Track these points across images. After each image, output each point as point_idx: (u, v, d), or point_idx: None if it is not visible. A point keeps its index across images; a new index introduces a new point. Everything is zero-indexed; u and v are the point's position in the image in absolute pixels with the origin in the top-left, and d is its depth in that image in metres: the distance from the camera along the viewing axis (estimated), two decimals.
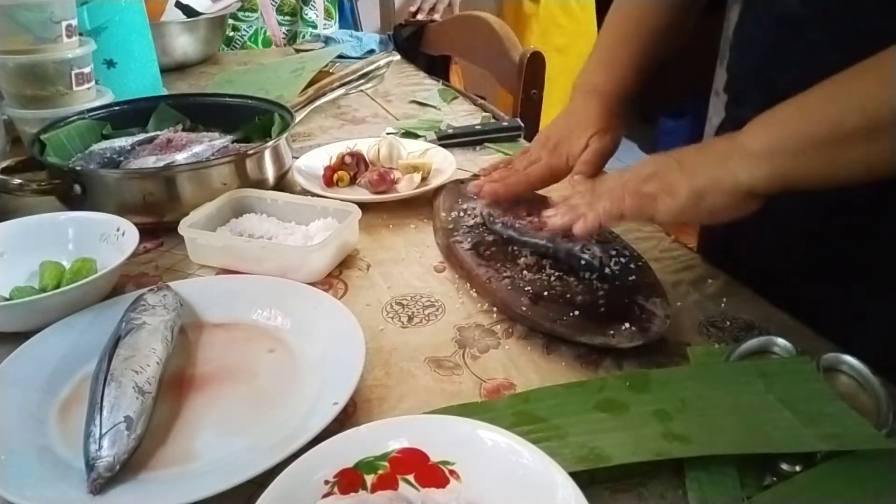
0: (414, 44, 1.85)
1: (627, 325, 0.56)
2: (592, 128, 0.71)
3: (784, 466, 0.44)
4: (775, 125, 0.51)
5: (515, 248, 0.68)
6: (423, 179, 0.87)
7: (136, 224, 0.68)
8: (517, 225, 0.69)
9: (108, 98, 1.00)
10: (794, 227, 0.67)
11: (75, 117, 0.90)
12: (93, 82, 1.00)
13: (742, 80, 0.73)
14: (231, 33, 1.81)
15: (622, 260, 0.66)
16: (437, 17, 1.89)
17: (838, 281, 0.65)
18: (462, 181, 0.85)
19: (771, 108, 0.53)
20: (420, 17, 1.88)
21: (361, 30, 2.02)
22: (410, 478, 0.42)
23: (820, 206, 0.63)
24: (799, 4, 0.61)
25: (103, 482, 0.43)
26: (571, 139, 0.72)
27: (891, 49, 0.46)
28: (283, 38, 1.88)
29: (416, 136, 1.04)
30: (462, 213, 0.76)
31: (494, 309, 0.63)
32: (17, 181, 0.74)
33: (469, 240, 0.71)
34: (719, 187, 0.53)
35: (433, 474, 0.42)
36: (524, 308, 0.60)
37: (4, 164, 0.78)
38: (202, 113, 0.98)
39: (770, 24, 0.66)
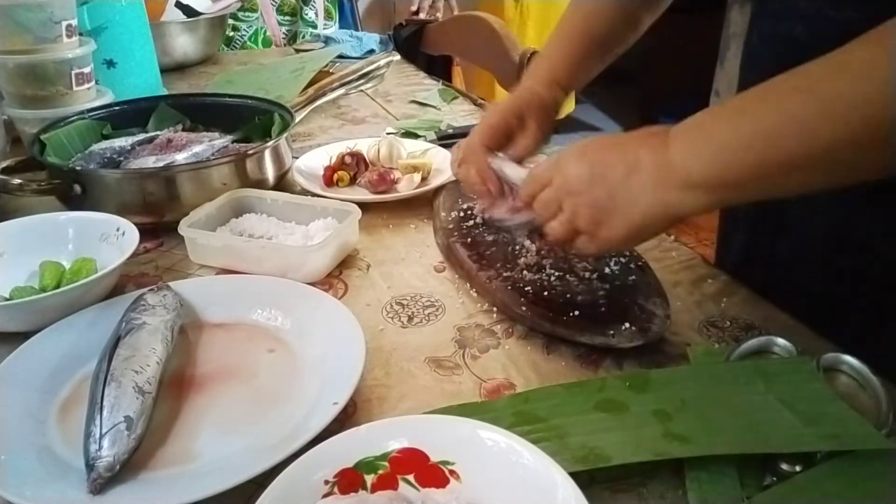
0: (414, 44, 1.85)
1: (627, 325, 0.56)
2: (507, 105, 0.68)
3: (784, 466, 0.44)
4: (709, 151, 0.47)
5: (516, 248, 0.68)
6: (423, 179, 0.87)
7: (136, 224, 0.68)
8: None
9: (108, 98, 1.00)
10: (812, 237, 0.67)
11: (75, 117, 0.90)
12: (93, 82, 1.00)
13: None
14: (231, 33, 1.81)
15: (622, 260, 0.66)
16: (438, 15, 1.88)
17: (846, 283, 0.65)
18: None
19: None
20: (421, 15, 1.88)
21: (361, 30, 2.02)
22: (410, 478, 0.42)
23: (837, 216, 0.63)
24: (803, 29, 0.61)
25: (103, 482, 0.43)
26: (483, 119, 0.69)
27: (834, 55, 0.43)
28: (283, 38, 1.88)
29: (416, 136, 1.04)
30: (462, 213, 0.76)
31: (494, 309, 0.63)
32: (17, 181, 0.74)
33: (469, 240, 0.71)
34: (657, 220, 0.50)
35: (433, 474, 0.42)
36: (524, 308, 0.60)
37: (4, 164, 0.78)
38: (202, 113, 0.98)
39: (777, 45, 0.66)
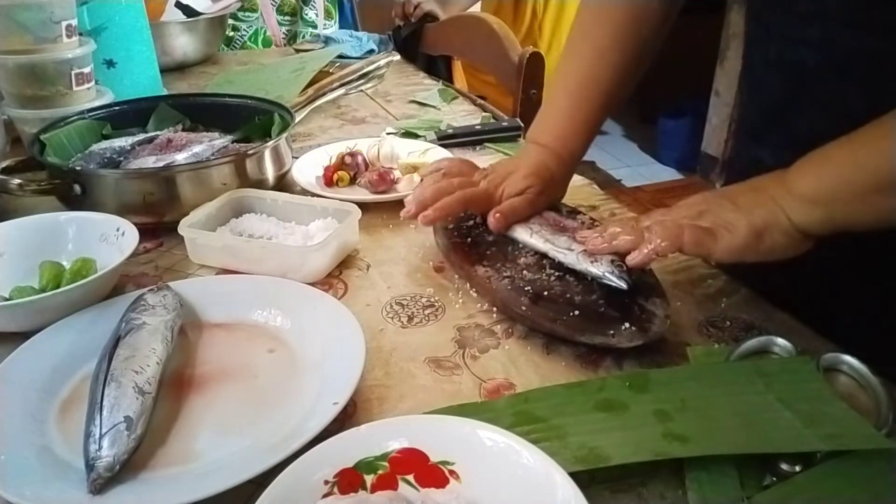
0: (414, 44, 1.85)
1: (627, 325, 0.56)
2: (533, 182, 0.69)
3: (784, 466, 0.44)
4: (826, 171, 0.52)
5: (516, 248, 0.68)
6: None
7: (136, 224, 0.68)
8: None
9: (108, 98, 1.00)
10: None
11: (75, 117, 0.90)
12: (93, 82, 1.00)
13: (757, 120, 0.73)
14: (231, 33, 1.81)
15: (624, 262, 0.66)
16: (435, 9, 1.87)
17: (846, 283, 0.65)
18: None
19: (793, 151, 0.53)
20: (411, 19, 1.88)
21: (360, 30, 2.02)
22: (410, 478, 0.42)
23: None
24: (814, 53, 0.61)
25: (103, 482, 0.43)
26: (513, 179, 0.70)
27: None
28: (283, 38, 1.88)
29: (416, 136, 1.04)
30: (462, 214, 0.76)
31: (494, 309, 0.63)
32: (17, 181, 0.74)
33: (469, 240, 0.71)
34: (777, 226, 0.53)
35: (433, 474, 0.42)
36: (524, 308, 0.60)
37: (4, 164, 0.78)
38: (202, 113, 0.98)
39: (784, 70, 0.65)
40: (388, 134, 1.05)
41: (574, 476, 0.38)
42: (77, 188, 0.75)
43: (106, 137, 0.91)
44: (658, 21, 0.72)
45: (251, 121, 0.95)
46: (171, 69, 1.50)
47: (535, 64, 1.37)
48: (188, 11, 1.52)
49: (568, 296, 0.61)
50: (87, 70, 0.98)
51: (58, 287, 0.61)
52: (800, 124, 0.65)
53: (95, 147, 0.87)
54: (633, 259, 0.57)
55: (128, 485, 0.44)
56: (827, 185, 0.52)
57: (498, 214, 0.67)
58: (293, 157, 0.91)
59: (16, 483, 0.43)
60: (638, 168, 3.57)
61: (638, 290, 0.61)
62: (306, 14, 1.89)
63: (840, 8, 0.58)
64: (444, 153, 0.93)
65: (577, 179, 0.93)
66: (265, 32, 1.86)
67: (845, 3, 0.58)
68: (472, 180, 0.72)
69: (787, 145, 0.53)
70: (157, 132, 0.93)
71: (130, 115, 0.96)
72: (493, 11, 1.92)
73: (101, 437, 0.45)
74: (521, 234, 0.68)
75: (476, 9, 2.01)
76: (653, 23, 0.72)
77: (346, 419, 0.50)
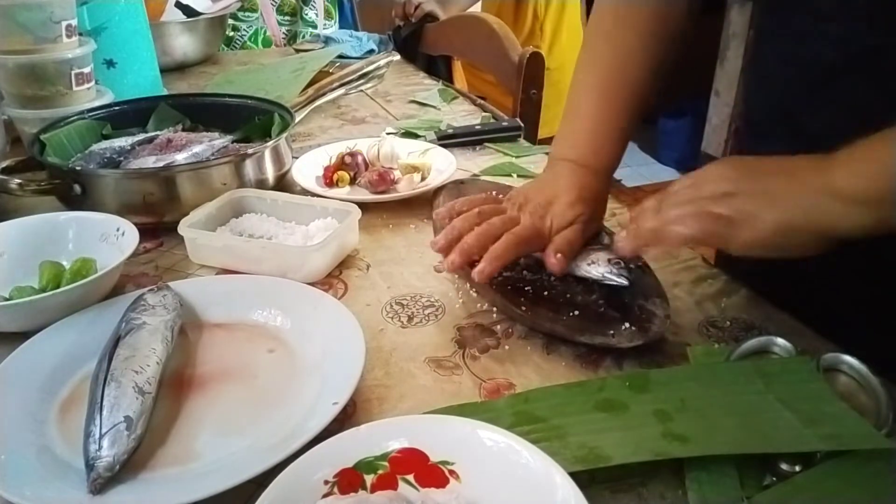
0: (413, 44, 1.85)
1: (627, 325, 0.56)
2: (581, 209, 0.63)
3: (784, 466, 0.44)
4: (877, 169, 0.46)
5: None
6: (423, 179, 0.87)
7: (136, 224, 0.68)
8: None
9: (108, 98, 1.00)
10: None
11: (75, 117, 0.90)
12: (93, 82, 1.00)
13: (762, 115, 0.70)
14: (231, 33, 1.81)
15: (622, 260, 0.66)
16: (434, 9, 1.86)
17: (846, 282, 0.64)
18: (462, 181, 0.86)
19: (804, 150, 0.49)
20: (412, 19, 1.87)
21: (359, 30, 2.02)
22: (410, 478, 0.42)
23: None
24: (833, 50, 0.59)
25: (103, 482, 0.43)
26: (559, 209, 0.63)
27: None
28: (283, 38, 1.88)
29: (416, 136, 1.04)
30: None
31: (494, 309, 0.63)
32: (17, 181, 0.74)
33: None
34: (809, 227, 0.48)
35: (433, 474, 0.42)
36: (524, 308, 0.60)
37: (4, 164, 0.78)
38: (202, 113, 0.98)
39: (797, 65, 0.63)
40: (388, 134, 1.05)
41: (574, 476, 0.38)
42: (77, 188, 0.75)
43: (106, 137, 0.91)
44: (684, 19, 0.68)
45: (251, 121, 0.95)
46: (171, 69, 1.50)
47: (535, 64, 1.37)
48: (188, 11, 1.52)
49: (568, 296, 0.61)
50: (87, 70, 0.98)
51: (58, 287, 0.61)
52: (813, 122, 0.62)
53: (95, 147, 0.87)
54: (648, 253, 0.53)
55: (128, 485, 0.44)
56: (881, 184, 0.45)
57: (559, 255, 0.60)
58: (293, 157, 0.91)
59: (16, 483, 0.43)
60: (638, 168, 3.57)
61: (638, 290, 0.61)
62: (306, 14, 1.89)
63: (867, 5, 0.56)
64: (445, 153, 0.93)
65: None
66: (265, 32, 1.86)
67: (873, 1, 0.55)
68: (512, 216, 0.64)
69: (797, 143, 0.50)
70: (157, 132, 0.93)
71: (130, 115, 0.96)
72: (496, 13, 1.91)
73: (101, 437, 0.45)
74: None
75: (476, 9, 2.01)
76: (679, 21, 0.68)
77: (346, 419, 0.50)
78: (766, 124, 0.71)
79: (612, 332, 0.56)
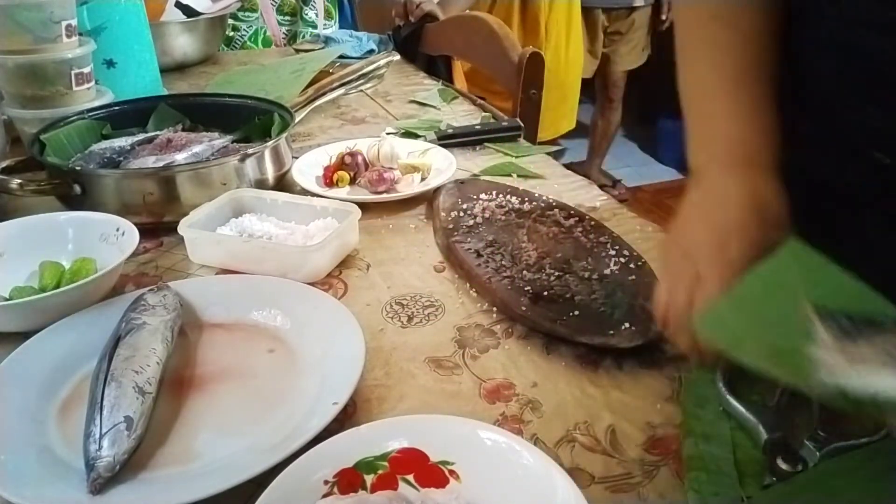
0: (413, 44, 1.84)
1: (627, 325, 0.56)
2: (758, 254, 0.49)
3: (784, 466, 0.44)
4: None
5: (515, 248, 0.68)
6: (423, 179, 0.87)
7: (136, 224, 0.68)
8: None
9: (108, 98, 1.00)
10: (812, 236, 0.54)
11: (75, 117, 0.90)
12: (93, 82, 1.00)
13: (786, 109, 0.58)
14: (231, 33, 1.81)
15: (622, 260, 0.66)
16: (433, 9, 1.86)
17: None
18: (462, 181, 0.86)
19: (836, 149, 0.46)
20: (411, 18, 1.87)
21: (360, 30, 2.02)
22: (410, 478, 0.42)
23: (804, 193, 0.55)
24: (891, 41, 0.51)
25: (103, 482, 0.43)
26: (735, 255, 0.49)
27: None
28: (283, 38, 1.88)
29: (415, 136, 1.04)
30: (462, 213, 0.76)
31: (494, 309, 0.63)
32: (17, 181, 0.74)
33: (469, 240, 0.71)
34: (745, 207, 0.49)
35: (433, 474, 0.42)
36: (524, 308, 0.60)
37: (4, 164, 0.78)
38: (202, 113, 0.98)
39: (844, 56, 0.56)
40: (388, 134, 1.05)
41: (574, 476, 0.38)
42: (77, 188, 0.75)
43: (106, 137, 0.91)
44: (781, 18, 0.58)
45: (251, 121, 0.95)
46: (171, 69, 1.50)
47: (535, 64, 1.37)
48: (188, 11, 1.52)
49: (568, 296, 0.61)
50: (86, 70, 0.98)
51: (58, 287, 0.61)
52: (852, 118, 0.55)
53: (95, 147, 0.87)
54: None
55: (128, 485, 0.44)
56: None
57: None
58: (293, 157, 0.91)
59: (16, 483, 0.43)
60: (638, 168, 3.57)
61: (638, 290, 0.61)
62: (306, 14, 1.89)
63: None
64: (445, 153, 0.93)
65: (576, 179, 0.93)
66: (265, 32, 1.86)
67: None
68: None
69: (829, 142, 0.45)
70: (157, 132, 0.93)
71: (130, 115, 0.96)
72: (504, 18, 1.91)
73: (101, 437, 0.45)
74: None
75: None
76: (779, 19, 0.58)
77: (346, 419, 0.50)
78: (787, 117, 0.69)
79: (612, 332, 0.56)
